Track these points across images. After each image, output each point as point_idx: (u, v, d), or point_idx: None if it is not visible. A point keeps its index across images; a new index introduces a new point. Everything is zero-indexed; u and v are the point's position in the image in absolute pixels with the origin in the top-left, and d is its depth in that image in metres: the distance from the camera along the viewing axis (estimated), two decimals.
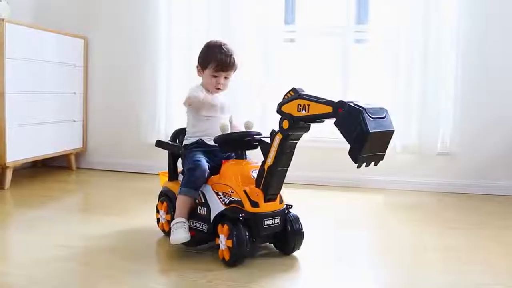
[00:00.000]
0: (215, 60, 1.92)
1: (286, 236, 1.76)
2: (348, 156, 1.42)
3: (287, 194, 1.79)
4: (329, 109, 1.47)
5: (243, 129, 1.88)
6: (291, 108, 1.57)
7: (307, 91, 1.58)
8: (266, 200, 1.69)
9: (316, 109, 1.51)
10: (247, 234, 1.64)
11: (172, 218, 1.85)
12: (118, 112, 3.52)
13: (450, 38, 2.91)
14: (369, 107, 1.41)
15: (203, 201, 1.80)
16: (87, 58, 3.53)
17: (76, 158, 3.56)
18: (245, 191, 1.69)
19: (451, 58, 2.92)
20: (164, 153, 2.07)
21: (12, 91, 2.80)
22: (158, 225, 2.02)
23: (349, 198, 2.88)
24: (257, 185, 1.69)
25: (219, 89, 1.97)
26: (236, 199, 1.70)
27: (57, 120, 3.25)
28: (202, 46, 2.01)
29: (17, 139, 2.86)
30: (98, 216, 2.32)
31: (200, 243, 1.81)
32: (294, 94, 1.57)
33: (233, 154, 1.87)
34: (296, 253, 1.80)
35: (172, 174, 2.04)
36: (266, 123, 3.03)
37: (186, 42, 3.22)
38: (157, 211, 2.02)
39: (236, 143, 1.82)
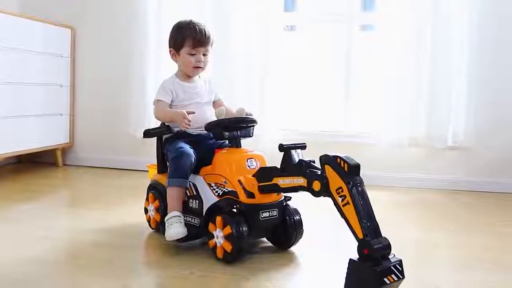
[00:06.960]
0: (190, 35, 1.77)
1: (285, 229, 1.64)
2: None
3: None
4: (358, 233, 1.23)
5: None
6: (333, 181, 1.31)
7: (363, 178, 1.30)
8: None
9: (350, 215, 1.26)
10: (244, 226, 1.52)
11: (163, 212, 1.75)
12: (106, 106, 3.37)
13: (462, 22, 2.70)
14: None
15: (195, 193, 1.68)
16: (74, 49, 3.39)
17: (62, 153, 3.42)
18: (239, 181, 1.56)
19: (464, 44, 2.70)
20: (153, 148, 1.92)
21: None
22: (146, 219, 1.89)
23: None
24: (256, 179, 1.55)
25: (199, 67, 1.82)
26: (230, 189, 1.58)
27: (43, 114, 3.11)
28: None
29: (0, 133, 2.73)
30: (83, 210, 2.26)
31: (192, 238, 1.69)
32: (347, 176, 1.28)
33: (227, 142, 1.73)
34: (294, 248, 1.68)
35: (161, 166, 1.90)
36: (265, 113, 2.90)
37: None
38: (146, 207, 1.90)
39: (229, 130, 1.67)
